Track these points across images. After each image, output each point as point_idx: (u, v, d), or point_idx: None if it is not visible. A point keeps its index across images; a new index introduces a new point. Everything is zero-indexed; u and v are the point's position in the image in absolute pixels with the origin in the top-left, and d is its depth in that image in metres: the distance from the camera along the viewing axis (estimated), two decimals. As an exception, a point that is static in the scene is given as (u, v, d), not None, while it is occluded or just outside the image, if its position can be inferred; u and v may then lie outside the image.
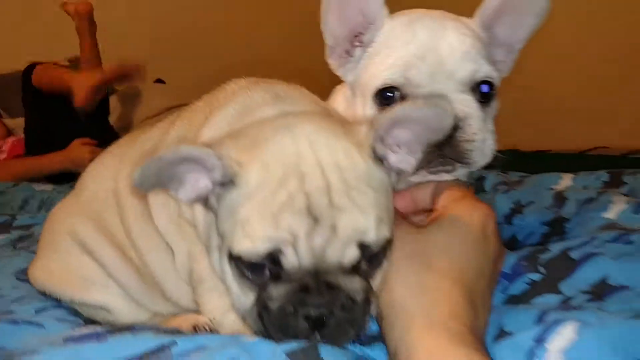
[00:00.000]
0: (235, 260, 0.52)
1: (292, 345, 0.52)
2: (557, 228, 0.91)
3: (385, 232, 0.52)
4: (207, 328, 0.65)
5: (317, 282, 0.50)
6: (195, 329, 0.66)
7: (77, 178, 1.96)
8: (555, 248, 0.71)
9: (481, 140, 0.67)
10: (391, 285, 0.54)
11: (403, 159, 0.57)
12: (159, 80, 3.13)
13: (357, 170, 0.53)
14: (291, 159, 0.52)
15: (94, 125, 2.32)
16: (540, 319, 0.56)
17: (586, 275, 0.66)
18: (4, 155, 2.40)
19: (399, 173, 0.58)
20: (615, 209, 0.83)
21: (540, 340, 0.53)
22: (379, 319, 0.55)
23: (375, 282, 0.54)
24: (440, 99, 0.63)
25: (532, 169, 1.25)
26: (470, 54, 0.67)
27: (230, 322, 0.62)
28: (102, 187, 0.75)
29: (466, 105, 0.67)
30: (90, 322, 0.75)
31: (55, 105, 2.26)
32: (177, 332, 0.61)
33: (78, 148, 2.16)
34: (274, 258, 0.50)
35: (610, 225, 0.77)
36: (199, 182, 0.54)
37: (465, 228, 0.57)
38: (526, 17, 0.69)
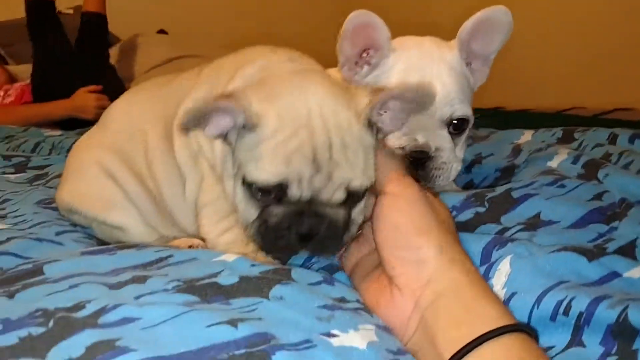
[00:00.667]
0: (248, 185, 0.66)
1: (267, 265, 0.65)
2: (508, 173, 1.03)
3: (366, 182, 0.66)
4: (201, 248, 0.78)
5: (310, 209, 0.65)
6: (190, 248, 0.79)
7: (85, 124, 2.08)
8: (500, 189, 0.83)
9: (447, 169, 0.87)
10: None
11: (387, 123, 0.71)
12: (162, 31, 3.20)
13: (353, 133, 0.66)
14: (302, 114, 0.66)
15: (98, 72, 2.41)
16: (484, 257, 0.68)
17: (523, 211, 0.77)
18: (10, 99, 2.49)
19: (378, 131, 0.71)
20: (558, 159, 0.95)
21: (486, 277, 0.65)
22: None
23: (354, 213, 0.68)
24: (428, 86, 0.78)
25: (512, 126, 1.36)
26: (449, 98, 0.86)
27: (223, 243, 0.77)
28: (130, 124, 0.86)
29: (440, 139, 0.86)
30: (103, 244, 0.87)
31: (58, 53, 2.34)
32: (175, 248, 0.74)
33: (83, 95, 2.26)
34: (280, 188, 0.64)
35: (549, 171, 0.89)
36: (221, 123, 0.68)
37: (418, 198, 0.65)
38: (495, 35, 0.87)
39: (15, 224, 0.89)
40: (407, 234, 0.62)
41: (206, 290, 0.57)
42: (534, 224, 0.75)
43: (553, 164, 0.95)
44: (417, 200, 0.64)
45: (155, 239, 0.86)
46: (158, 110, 0.85)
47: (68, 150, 1.57)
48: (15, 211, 0.94)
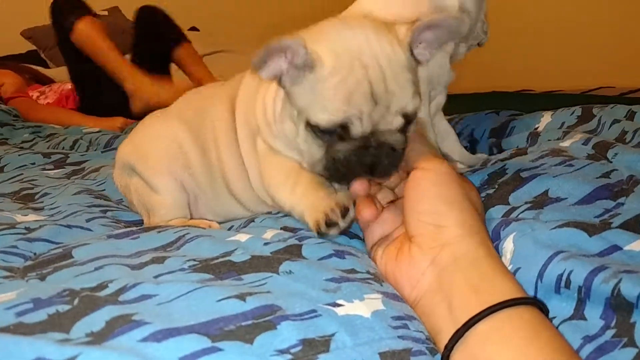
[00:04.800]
0: (312, 126, 0.71)
1: (278, 245, 0.68)
2: (520, 152, 1.03)
3: (417, 102, 0.72)
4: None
5: (371, 141, 0.70)
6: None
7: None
8: (511, 170, 0.85)
9: None
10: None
11: (422, 52, 0.76)
12: (193, 28, 3.27)
13: (400, 60, 0.71)
14: (355, 50, 0.70)
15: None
16: (493, 235, 0.71)
17: (530, 189, 0.79)
18: (48, 100, 2.55)
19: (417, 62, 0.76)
20: (570, 141, 0.96)
21: None
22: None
23: (410, 132, 0.73)
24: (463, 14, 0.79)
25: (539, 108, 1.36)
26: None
27: (298, 198, 0.78)
28: (202, 100, 0.93)
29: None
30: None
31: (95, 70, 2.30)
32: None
33: (116, 122, 2.20)
34: (344, 126, 0.69)
35: (558, 150, 0.90)
36: (276, 65, 0.72)
37: (446, 172, 0.68)
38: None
39: (51, 215, 0.95)
40: (434, 200, 0.64)
41: (220, 268, 0.61)
42: (541, 201, 0.77)
43: (564, 143, 0.96)
44: (447, 174, 0.67)
45: (177, 217, 0.91)
46: (223, 92, 0.91)
47: (105, 146, 1.66)
48: (51, 204, 1.00)
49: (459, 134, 1.29)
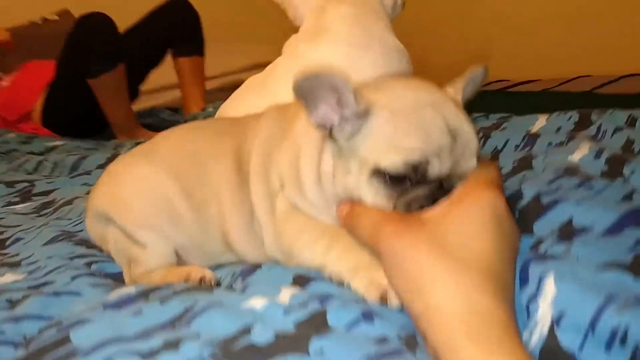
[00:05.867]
0: (380, 175, 0.63)
1: (300, 312, 0.61)
2: (525, 163, 0.99)
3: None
4: (212, 282, 0.76)
5: (445, 184, 0.63)
6: (201, 282, 0.76)
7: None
8: (528, 194, 0.81)
9: None
10: (424, 285, 0.55)
11: None
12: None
13: (460, 107, 0.67)
14: (414, 92, 0.66)
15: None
16: (524, 274, 0.65)
17: (554, 218, 0.74)
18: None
19: None
20: (579, 154, 0.92)
21: (532, 298, 0.61)
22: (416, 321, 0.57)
23: None
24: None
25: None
26: None
27: (332, 261, 0.68)
28: (194, 152, 0.83)
29: None
30: (116, 282, 0.85)
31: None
32: (193, 288, 0.71)
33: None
34: (420, 168, 0.61)
35: (572, 169, 0.86)
36: (328, 113, 0.66)
37: (476, 213, 0.60)
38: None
39: (30, 272, 0.86)
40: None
41: (244, 355, 0.55)
42: (567, 232, 0.72)
43: (574, 157, 0.92)
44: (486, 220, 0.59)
45: (163, 266, 0.83)
46: (226, 144, 0.81)
47: (71, 170, 1.55)
48: (28, 257, 0.91)
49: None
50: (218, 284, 0.77)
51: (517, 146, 1.08)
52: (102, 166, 1.52)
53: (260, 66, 2.93)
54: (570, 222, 0.74)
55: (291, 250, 0.73)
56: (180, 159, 0.83)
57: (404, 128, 0.62)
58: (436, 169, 0.62)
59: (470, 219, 0.59)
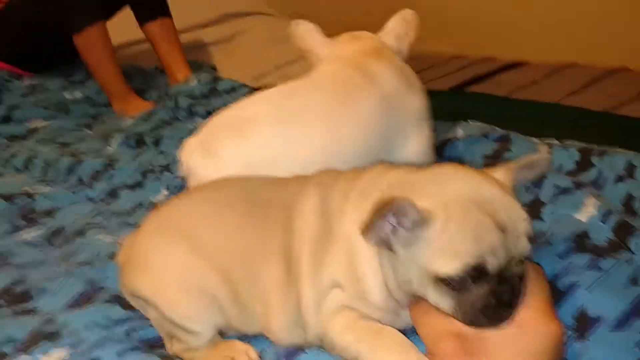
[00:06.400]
0: (440, 281, 0.68)
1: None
2: (535, 209, 1.07)
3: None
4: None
5: (506, 274, 0.68)
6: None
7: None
8: (547, 274, 0.88)
9: None
10: None
11: None
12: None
13: (508, 192, 0.71)
14: (463, 194, 0.69)
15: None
16: None
17: (569, 307, 0.83)
18: None
19: None
20: (586, 213, 0.99)
21: None
22: None
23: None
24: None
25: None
26: None
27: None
28: (239, 248, 0.84)
29: None
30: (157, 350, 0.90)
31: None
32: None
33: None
34: (477, 268, 0.66)
35: (582, 239, 0.94)
36: (383, 231, 0.70)
37: (540, 346, 0.68)
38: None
39: (73, 345, 0.89)
40: None
41: None
42: (583, 323, 0.81)
43: (582, 217, 0.99)
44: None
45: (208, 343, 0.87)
46: (275, 240, 0.83)
47: (66, 173, 1.54)
48: (67, 325, 0.93)
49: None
50: None
51: (526, 187, 1.13)
52: (99, 174, 1.51)
53: (230, 16, 2.85)
54: (584, 313, 0.82)
55: (334, 345, 0.78)
56: (227, 255, 0.84)
57: (457, 235, 0.67)
58: (494, 263, 0.67)
59: (531, 351, 0.67)
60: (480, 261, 0.66)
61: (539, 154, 0.81)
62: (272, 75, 2.28)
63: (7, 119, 2.01)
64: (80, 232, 1.23)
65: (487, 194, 0.69)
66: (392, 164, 0.84)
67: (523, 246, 0.69)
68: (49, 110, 2.07)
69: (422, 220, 0.68)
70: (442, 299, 0.70)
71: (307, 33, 1.24)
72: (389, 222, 0.69)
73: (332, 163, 1.00)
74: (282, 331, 0.83)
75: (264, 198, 0.86)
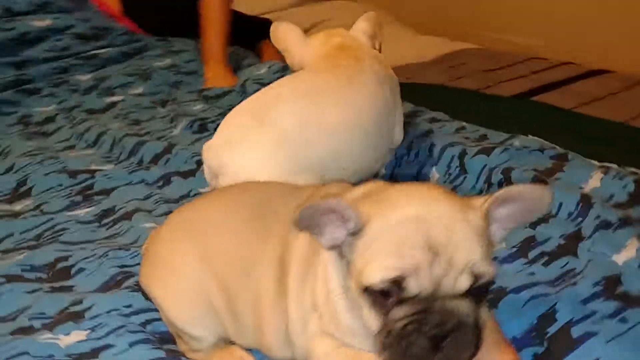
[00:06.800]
0: (366, 291, 0.66)
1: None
2: (572, 243, 1.00)
3: (492, 270, 0.66)
4: None
5: (434, 304, 0.63)
6: None
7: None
8: (562, 316, 0.83)
9: None
10: None
11: (494, 232, 0.71)
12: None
13: (470, 221, 0.67)
14: (411, 207, 0.67)
15: None
16: None
17: (581, 357, 0.78)
18: None
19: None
20: (624, 256, 0.92)
21: None
22: None
23: (482, 313, 0.67)
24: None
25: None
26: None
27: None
28: (239, 257, 0.85)
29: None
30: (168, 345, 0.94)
31: None
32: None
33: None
34: (399, 284, 0.64)
35: (614, 285, 0.87)
36: (335, 234, 0.70)
37: None
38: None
39: (93, 328, 0.95)
40: None
41: None
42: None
43: (619, 259, 0.92)
44: None
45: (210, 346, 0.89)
46: (274, 247, 0.83)
47: (129, 154, 1.61)
48: (90, 308, 0.99)
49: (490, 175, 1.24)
50: None
51: (569, 214, 1.07)
52: (158, 156, 1.57)
53: (313, 2, 2.85)
54: (596, 364, 0.76)
55: None
56: (227, 263, 0.85)
57: (385, 246, 0.65)
58: (414, 284, 0.63)
59: None
60: (399, 275, 0.63)
61: (538, 189, 0.70)
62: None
63: (91, 89, 2.13)
64: (128, 216, 1.29)
65: (432, 215, 0.65)
66: (384, 182, 0.81)
67: (461, 281, 0.64)
68: (133, 76, 2.18)
69: (361, 225, 0.67)
70: (370, 317, 0.67)
71: (286, 33, 1.30)
72: (338, 224, 0.68)
73: (357, 135, 1.15)
74: (274, 346, 0.84)
75: (272, 209, 0.86)
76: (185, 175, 1.47)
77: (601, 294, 0.86)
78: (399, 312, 0.65)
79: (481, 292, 0.67)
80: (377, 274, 0.64)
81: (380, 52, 1.35)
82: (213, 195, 0.99)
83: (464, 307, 0.65)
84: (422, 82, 1.90)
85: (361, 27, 1.32)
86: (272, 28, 1.31)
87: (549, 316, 0.84)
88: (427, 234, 0.64)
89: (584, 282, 0.89)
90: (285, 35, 1.30)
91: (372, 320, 0.68)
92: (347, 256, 0.70)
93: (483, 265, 0.65)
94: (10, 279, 1.08)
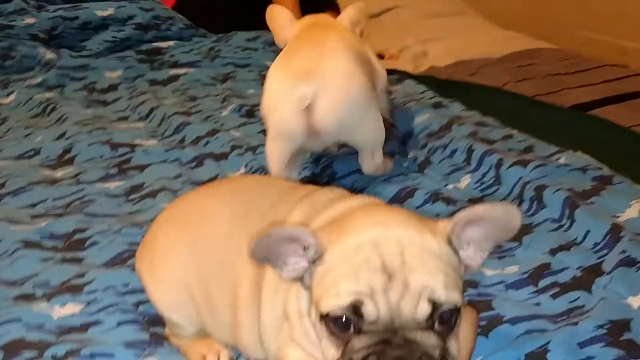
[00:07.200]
0: (325, 319, 0.64)
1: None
2: (587, 279, 0.91)
3: (455, 297, 0.61)
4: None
5: (396, 335, 0.60)
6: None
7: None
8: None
9: None
10: None
11: (471, 255, 0.68)
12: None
13: (429, 246, 0.64)
14: (370, 233, 0.64)
15: None
16: None
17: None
18: None
19: (466, 269, 0.68)
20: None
21: None
22: None
23: (450, 344, 0.63)
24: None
25: None
26: None
27: None
28: (225, 250, 0.84)
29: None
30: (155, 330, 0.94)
31: None
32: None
33: None
34: (355, 310, 0.61)
35: (619, 328, 0.79)
36: (298, 264, 0.67)
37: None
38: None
39: (88, 303, 0.97)
40: None
41: None
42: None
43: (635, 302, 0.84)
44: None
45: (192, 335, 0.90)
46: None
47: (174, 131, 1.64)
48: (90, 282, 1.02)
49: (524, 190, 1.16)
50: None
51: (595, 244, 0.98)
52: (200, 138, 1.58)
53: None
54: None
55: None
56: (209, 258, 0.85)
57: (340, 270, 0.62)
58: (371, 309, 0.60)
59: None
60: (355, 300, 0.60)
61: (503, 209, 0.65)
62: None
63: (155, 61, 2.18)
64: (153, 194, 1.32)
65: (388, 239, 0.63)
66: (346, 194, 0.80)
67: (420, 309, 0.60)
68: (200, 55, 2.21)
69: (320, 252, 0.64)
70: (328, 347, 0.64)
71: (277, 14, 1.38)
72: (300, 254, 0.66)
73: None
74: (249, 346, 0.83)
75: (261, 210, 0.84)
76: (218, 157, 1.48)
77: (602, 339, 0.78)
78: (358, 343, 0.61)
79: (446, 322, 0.62)
80: (333, 300, 0.62)
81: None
82: (212, 187, 0.99)
83: (428, 338, 0.61)
84: (483, 80, 1.80)
85: (347, 14, 1.39)
86: (267, 9, 1.39)
87: (539, 355, 0.77)
88: (382, 257, 0.61)
89: (587, 322, 0.80)
90: (274, 16, 1.38)
91: (331, 350, 0.64)
92: (308, 285, 0.67)
93: (442, 292, 0.60)
94: (28, 245, 1.13)
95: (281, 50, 1.33)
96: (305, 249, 0.66)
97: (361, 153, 1.29)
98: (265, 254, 0.66)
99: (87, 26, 2.22)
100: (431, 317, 0.60)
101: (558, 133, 1.42)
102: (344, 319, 0.62)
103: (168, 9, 2.39)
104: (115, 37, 2.22)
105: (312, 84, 1.14)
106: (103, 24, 2.22)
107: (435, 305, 0.60)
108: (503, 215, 0.65)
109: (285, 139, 1.21)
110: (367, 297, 0.60)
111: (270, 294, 0.78)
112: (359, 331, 0.61)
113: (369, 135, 1.25)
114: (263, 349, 0.81)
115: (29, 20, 2.17)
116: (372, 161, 1.28)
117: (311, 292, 0.67)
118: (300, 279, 0.68)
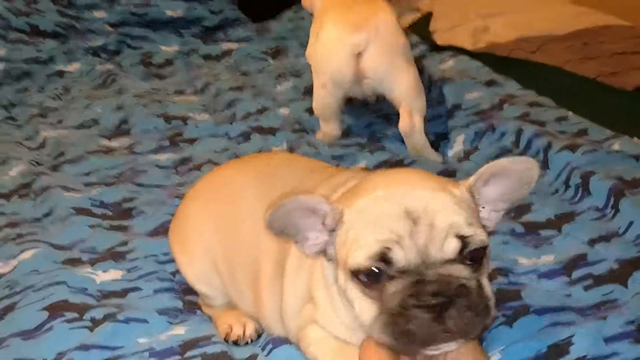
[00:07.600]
0: (355, 276, 0.63)
1: None
2: (624, 273, 0.88)
3: (481, 235, 0.62)
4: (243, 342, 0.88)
5: (428, 273, 0.60)
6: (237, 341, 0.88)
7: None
8: (575, 352, 0.74)
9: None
10: None
11: (486, 217, 0.69)
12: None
13: (451, 192, 0.64)
14: (383, 188, 0.65)
15: None
16: None
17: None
18: None
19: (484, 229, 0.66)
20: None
21: None
22: None
23: (484, 280, 0.62)
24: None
25: None
26: None
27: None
28: (251, 229, 0.85)
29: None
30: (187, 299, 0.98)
31: None
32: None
33: None
34: (384, 257, 0.61)
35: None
36: (319, 238, 0.68)
37: None
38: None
39: (129, 270, 1.02)
40: None
41: None
42: None
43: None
44: None
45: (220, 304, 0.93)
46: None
47: (225, 106, 1.67)
48: (133, 250, 1.07)
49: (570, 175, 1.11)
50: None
51: (638, 236, 0.94)
52: (249, 115, 1.61)
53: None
54: None
55: (305, 350, 0.78)
56: (233, 236, 0.87)
57: (361, 225, 0.63)
58: (399, 254, 0.60)
59: None
60: (382, 248, 0.60)
61: (523, 161, 0.66)
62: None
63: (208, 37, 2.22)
64: (198, 167, 1.36)
65: (406, 189, 0.63)
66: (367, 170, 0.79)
67: (448, 245, 0.60)
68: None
69: (339, 216, 0.65)
70: (363, 305, 0.63)
71: None
72: (319, 227, 0.66)
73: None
74: (270, 322, 0.85)
75: (288, 186, 0.85)
76: (265, 132, 1.50)
77: (630, 335, 0.75)
78: (393, 288, 0.60)
79: (475, 260, 0.61)
80: (360, 253, 0.61)
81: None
82: (241, 162, 1.01)
83: (461, 270, 0.60)
84: (544, 58, 1.73)
85: None
86: None
87: (562, 347, 0.75)
88: (403, 205, 0.61)
89: (617, 317, 0.78)
90: None
91: (367, 307, 0.63)
92: (333, 255, 0.67)
93: (469, 228, 0.61)
94: (80, 211, 1.19)
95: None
96: (324, 222, 0.66)
97: (400, 111, 1.34)
98: (281, 225, 0.66)
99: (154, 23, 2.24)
100: (460, 253, 0.60)
101: (616, 116, 1.35)
102: (374, 270, 0.61)
103: (236, 9, 2.36)
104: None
105: (365, 33, 1.29)
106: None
107: (463, 241, 0.60)
108: (523, 167, 0.65)
109: (334, 84, 1.34)
110: (394, 243, 0.60)
111: (293, 272, 0.79)
112: (391, 279, 0.60)
113: (407, 87, 1.33)
114: (284, 327, 0.83)
115: (98, 14, 2.19)
116: (409, 120, 1.32)
117: (336, 260, 0.67)
118: (323, 252, 0.68)
